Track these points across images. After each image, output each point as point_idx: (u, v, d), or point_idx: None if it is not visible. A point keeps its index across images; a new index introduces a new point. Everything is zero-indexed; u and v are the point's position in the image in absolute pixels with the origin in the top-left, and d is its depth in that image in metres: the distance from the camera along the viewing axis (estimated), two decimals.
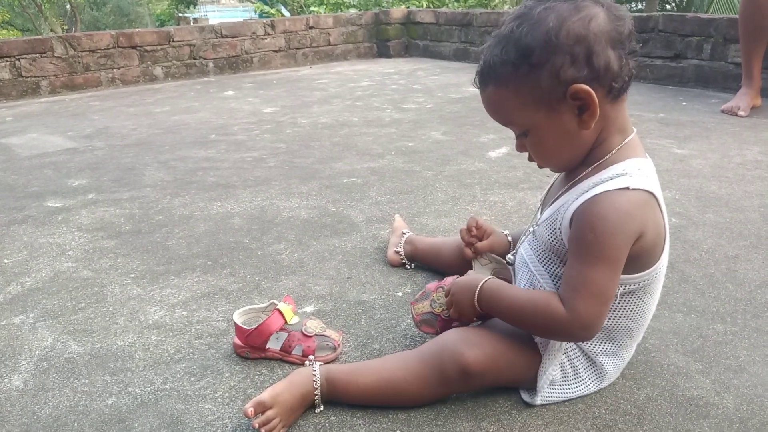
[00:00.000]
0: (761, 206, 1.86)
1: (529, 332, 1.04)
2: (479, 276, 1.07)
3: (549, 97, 0.93)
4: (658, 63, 3.76)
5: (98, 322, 1.37)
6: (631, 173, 0.95)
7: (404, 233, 1.59)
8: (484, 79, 0.99)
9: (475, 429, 1.00)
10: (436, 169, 2.33)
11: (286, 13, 9.46)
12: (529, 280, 1.07)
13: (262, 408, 0.97)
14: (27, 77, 4.16)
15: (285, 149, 2.70)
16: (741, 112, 2.92)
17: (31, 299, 1.48)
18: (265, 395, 0.98)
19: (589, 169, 0.99)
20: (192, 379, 1.16)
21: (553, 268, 1.03)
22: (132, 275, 1.58)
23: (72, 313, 1.41)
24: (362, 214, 1.93)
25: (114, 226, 1.90)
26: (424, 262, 1.54)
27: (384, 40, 5.60)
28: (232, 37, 4.89)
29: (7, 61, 4.06)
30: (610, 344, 1.05)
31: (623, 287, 0.99)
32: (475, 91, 1.02)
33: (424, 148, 2.62)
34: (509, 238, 1.30)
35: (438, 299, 1.17)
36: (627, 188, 0.93)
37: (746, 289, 1.40)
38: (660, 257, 1.00)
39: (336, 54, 5.45)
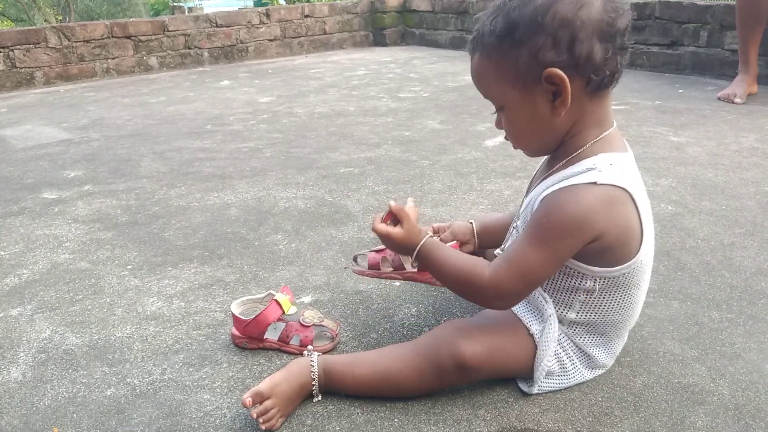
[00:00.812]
0: (757, 193, 1.87)
1: (453, 291, 1.07)
2: (420, 236, 1.05)
3: (525, 77, 0.93)
4: (655, 50, 3.75)
5: (96, 314, 1.37)
6: (601, 168, 0.93)
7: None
8: (473, 47, 0.99)
9: (473, 417, 1.01)
10: (432, 159, 2.33)
11: (282, 2, 9.41)
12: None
13: (260, 398, 0.98)
14: (21, 68, 4.13)
15: (281, 139, 2.69)
16: (737, 99, 2.92)
17: (28, 291, 1.48)
18: (263, 386, 0.99)
19: (561, 162, 0.98)
20: (190, 369, 1.16)
21: None
22: (129, 266, 1.58)
23: (70, 305, 1.41)
24: (359, 203, 1.93)
25: (110, 218, 1.90)
26: None
27: (380, 28, 5.57)
28: (227, 27, 4.86)
29: (0, 52, 4.03)
30: (599, 336, 1.05)
31: (600, 281, 0.99)
32: (471, 79, 1.02)
33: (421, 138, 2.62)
34: (473, 225, 1.32)
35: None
36: (594, 183, 0.92)
37: (742, 277, 1.40)
38: (638, 252, 0.98)
39: (332, 43, 5.43)
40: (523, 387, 1.06)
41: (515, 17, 0.90)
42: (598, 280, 0.99)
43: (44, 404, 1.09)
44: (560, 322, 1.04)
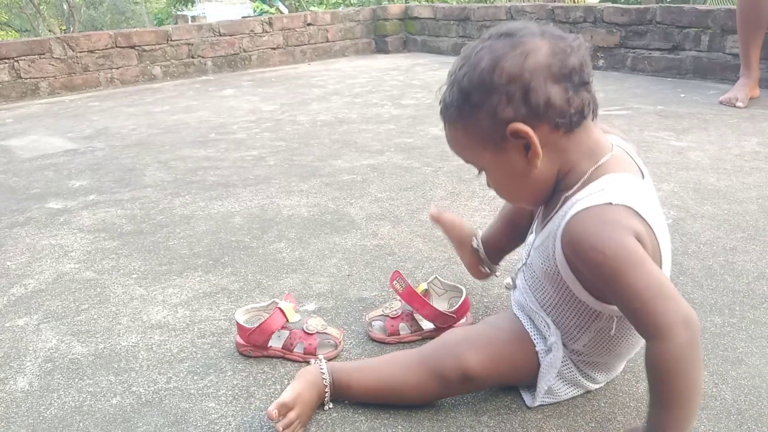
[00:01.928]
0: (759, 198, 1.87)
1: (689, 388, 0.81)
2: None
3: (492, 137, 0.91)
4: (656, 55, 3.75)
5: (102, 323, 1.38)
6: (612, 189, 0.88)
7: (476, 244, 1.34)
8: (442, 117, 0.98)
9: (476, 424, 1.01)
10: (435, 165, 2.34)
11: (284, 10, 9.45)
12: (522, 308, 1.07)
13: (285, 409, 0.98)
14: (26, 79, 4.16)
15: (284, 147, 2.71)
16: (739, 103, 2.92)
17: (34, 301, 1.49)
18: (287, 396, 0.99)
19: (567, 193, 0.93)
20: (195, 378, 1.17)
21: (546, 298, 1.01)
22: (134, 276, 1.59)
23: (75, 314, 1.42)
24: (362, 211, 1.94)
25: (115, 227, 1.92)
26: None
27: (382, 35, 5.60)
28: (230, 36, 4.89)
29: (5, 62, 4.07)
30: (602, 365, 1.05)
31: (617, 320, 0.95)
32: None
33: (423, 144, 2.63)
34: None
35: (391, 306, 1.28)
36: (610, 203, 0.87)
37: (744, 281, 1.41)
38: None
39: (334, 50, 5.45)
40: (526, 399, 1.05)
41: (466, 85, 0.90)
42: (616, 320, 0.95)
43: (51, 413, 1.10)
44: (564, 346, 1.02)
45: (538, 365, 1.03)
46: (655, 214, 0.91)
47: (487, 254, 1.31)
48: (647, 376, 0.83)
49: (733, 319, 1.26)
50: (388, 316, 1.27)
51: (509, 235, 1.28)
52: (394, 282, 1.25)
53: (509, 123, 0.88)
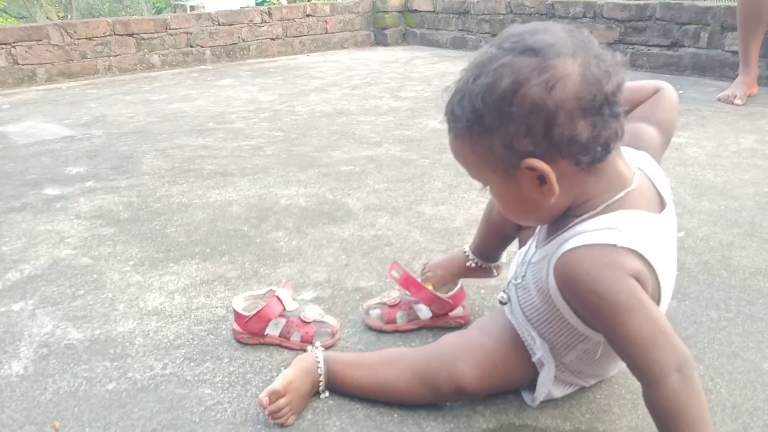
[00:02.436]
0: (756, 194, 1.88)
1: (691, 427, 0.80)
2: None
3: (503, 164, 0.82)
4: (655, 51, 3.75)
5: (98, 309, 1.38)
6: (622, 228, 0.81)
7: (474, 263, 1.31)
8: (447, 124, 0.87)
9: (472, 413, 1.02)
10: (433, 158, 2.34)
11: (284, 1, 9.41)
12: (517, 322, 1.03)
13: (276, 397, 0.98)
14: (23, 65, 4.13)
15: (283, 137, 2.70)
16: (737, 101, 2.92)
17: (30, 286, 1.49)
18: (278, 384, 0.99)
19: (573, 222, 0.86)
20: (191, 364, 1.17)
21: (535, 313, 0.97)
22: (131, 262, 1.59)
23: (71, 300, 1.42)
24: (360, 202, 1.93)
25: (112, 214, 1.91)
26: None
27: (381, 28, 5.58)
28: (229, 25, 4.86)
29: (2, 48, 4.04)
30: (593, 376, 1.04)
31: (604, 346, 0.92)
32: None
33: (422, 137, 2.63)
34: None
35: (389, 294, 1.28)
36: (614, 246, 0.80)
37: (740, 276, 1.41)
38: None
39: (333, 42, 5.43)
40: (526, 398, 1.04)
41: (479, 105, 0.79)
42: (603, 345, 0.93)
43: (45, 398, 1.10)
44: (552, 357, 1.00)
45: (534, 373, 1.01)
46: (664, 255, 0.86)
47: (486, 259, 1.30)
48: (652, 419, 0.83)
49: (729, 314, 1.27)
50: (385, 304, 1.27)
51: (499, 238, 1.26)
52: (392, 271, 1.25)
53: (525, 157, 0.79)
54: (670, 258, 0.91)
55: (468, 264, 1.30)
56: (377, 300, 1.30)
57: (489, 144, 0.81)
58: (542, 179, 0.81)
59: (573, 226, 0.85)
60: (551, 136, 0.77)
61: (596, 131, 0.78)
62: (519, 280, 0.99)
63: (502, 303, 1.04)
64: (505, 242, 1.27)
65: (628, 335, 0.79)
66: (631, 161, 0.89)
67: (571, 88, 0.76)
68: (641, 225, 0.83)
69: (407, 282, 1.24)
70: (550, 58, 0.77)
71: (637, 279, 0.81)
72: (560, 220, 0.88)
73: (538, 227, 1.00)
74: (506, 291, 1.03)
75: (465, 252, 1.31)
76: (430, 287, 1.27)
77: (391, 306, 1.26)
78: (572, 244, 0.83)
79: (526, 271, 0.97)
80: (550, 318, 0.94)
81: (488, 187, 0.90)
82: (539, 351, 0.98)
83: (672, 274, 0.92)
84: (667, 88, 1.03)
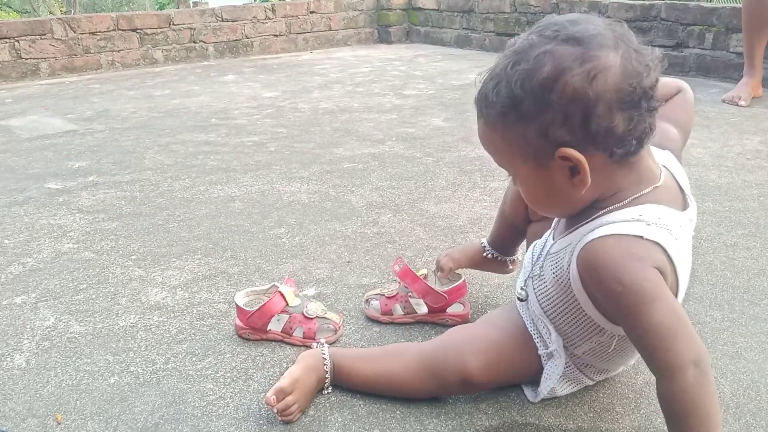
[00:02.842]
0: (760, 195, 1.87)
1: (703, 423, 0.80)
2: None
3: (536, 153, 0.82)
4: (660, 52, 3.74)
5: (100, 303, 1.37)
6: (649, 221, 0.82)
7: (490, 254, 1.33)
8: (477, 111, 0.87)
9: (474, 411, 1.01)
10: (436, 156, 2.33)
11: None
12: (531, 319, 1.03)
13: (283, 395, 0.97)
14: (26, 59, 4.13)
15: (285, 134, 2.70)
16: (742, 102, 2.91)
17: (32, 279, 1.49)
18: (285, 382, 0.98)
19: (600, 213, 0.85)
20: (194, 359, 1.17)
21: (551, 305, 0.96)
22: (133, 257, 1.59)
23: (74, 294, 1.42)
24: (363, 199, 1.93)
25: (115, 209, 1.91)
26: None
27: (385, 25, 5.57)
28: (233, 21, 4.86)
29: (6, 42, 4.04)
30: (603, 369, 1.04)
31: (618, 339, 0.93)
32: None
33: (425, 135, 2.62)
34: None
35: (389, 287, 1.30)
36: (641, 237, 0.80)
37: (744, 277, 1.41)
38: None
39: (337, 39, 5.43)
40: (528, 394, 1.04)
41: (517, 91, 0.78)
42: (617, 338, 0.93)
43: (48, 391, 1.09)
44: (564, 348, 1.00)
45: (540, 367, 1.01)
46: (684, 253, 0.86)
47: (502, 252, 1.32)
48: (663, 413, 0.83)
49: (732, 315, 1.26)
50: (384, 295, 1.28)
51: (514, 232, 1.28)
52: (395, 265, 1.26)
53: (561, 146, 0.79)
54: (689, 256, 0.91)
55: (485, 255, 1.32)
56: (377, 291, 1.31)
57: (523, 132, 0.81)
58: (574, 170, 0.81)
59: (599, 216, 0.85)
60: (588, 126, 0.77)
61: (632, 124, 0.78)
62: (537, 271, 0.99)
63: (520, 299, 1.03)
64: (519, 236, 1.28)
65: (649, 325, 0.79)
66: (657, 159, 0.89)
67: (612, 80, 0.76)
68: (667, 220, 0.83)
69: (405, 273, 1.25)
70: (593, 49, 0.77)
71: (660, 272, 0.81)
72: (584, 212, 0.88)
73: (555, 220, 1.00)
74: (524, 288, 1.02)
75: (482, 244, 1.33)
76: (431, 281, 1.27)
77: (389, 297, 1.27)
78: (599, 233, 0.82)
79: (544, 262, 0.97)
80: (567, 309, 0.94)
81: (513, 177, 0.90)
82: (553, 344, 0.98)
83: (688, 273, 0.92)
84: (688, 89, 1.04)
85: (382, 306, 1.27)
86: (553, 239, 0.97)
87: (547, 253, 0.96)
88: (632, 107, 0.78)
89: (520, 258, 1.33)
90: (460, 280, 1.28)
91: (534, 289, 1.00)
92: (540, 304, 0.99)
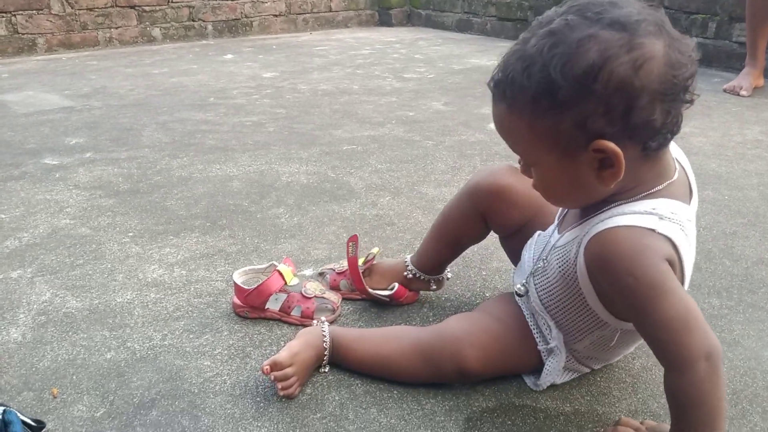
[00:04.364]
0: (760, 185, 1.87)
1: (710, 417, 0.78)
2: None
3: (567, 143, 0.77)
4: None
5: (97, 279, 1.37)
6: (662, 215, 0.79)
7: (412, 273, 1.25)
8: (498, 94, 0.81)
9: (471, 392, 1.01)
10: (436, 139, 2.32)
11: None
12: (531, 314, 1.01)
13: (279, 367, 0.97)
14: (23, 34, 4.09)
15: (284, 114, 2.68)
16: (743, 92, 2.90)
17: (28, 254, 1.48)
18: (283, 355, 0.98)
19: (612, 205, 0.83)
20: (191, 336, 1.16)
21: (553, 299, 0.95)
22: (130, 234, 1.58)
23: (70, 269, 1.41)
24: (362, 181, 1.92)
25: (112, 185, 1.89)
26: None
27: (386, 8, 5.52)
28: (232, 0, 4.81)
29: (2, 17, 3.99)
30: (601, 360, 1.04)
31: (621, 333, 0.93)
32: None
33: (425, 118, 2.61)
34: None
35: (341, 263, 1.31)
36: (653, 231, 0.78)
37: (743, 266, 1.41)
38: None
39: (337, 21, 5.38)
40: (528, 381, 1.03)
41: (557, 77, 0.73)
42: (620, 332, 0.93)
43: (44, 365, 1.09)
44: (564, 344, 0.99)
45: (539, 361, 1.00)
46: (690, 248, 0.84)
47: (428, 272, 1.24)
48: (668, 404, 0.82)
49: (730, 302, 1.26)
50: (334, 270, 1.31)
51: (452, 251, 1.23)
52: (350, 244, 1.22)
53: (597, 137, 0.75)
54: (694, 252, 0.89)
55: (405, 274, 1.24)
56: (332, 265, 1.34)
57: (556, 121, 0.76)
58: (604, 163, 0.77)
59: (611, 208, 0.82)
60: (629, 118, 0.74)
61: (669, 117, 0.76)
62: (540, 264, 0.97)
63: (519, 295, 1.01)
64: (457, 254, 1.24)
65: (661, 318, 0.77)
66: (671, 152, 0.87)
67: (657, 71, 0.73)
68: (680, 216, 0.81)
69: (352, 269, 1.22)
70: (639, 36, 0.73)
71: (670, 264, 0.79)
72: (594, 204, 0.85)
73: (559, 214, 0.99)
74: (524, 284, 1.00)
75: (405, 262, 1.25)
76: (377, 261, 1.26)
77: (338, 273, 1.30)
78: (610, 224, 0.80)
79: (549, 255, 0.94)
80: (570, 303, 0.92)
81: (530, 165, 0.85)
82: (554, 340, 0.97)
83: (691, 267, 0.89)
84: None
85: (330, 280, 1.30)
86: (559, 232, 0.95)
87: (552, 247, 0.94)
88: (672, 99, 0.75)
89: (449, 277, 1.28)
90: (395, 287, 1.24)
91: (535, 284, 0.98)
92: (541, 300, 0.97)
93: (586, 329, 0.94)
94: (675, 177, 0.84)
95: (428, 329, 1.07)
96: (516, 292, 1.01)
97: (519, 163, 0.89)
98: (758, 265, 1.41)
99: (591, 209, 0.86)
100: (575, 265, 0.87)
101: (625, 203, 0.82)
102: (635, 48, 0.72)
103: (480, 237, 1.20)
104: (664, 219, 0.79)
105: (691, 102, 0.77)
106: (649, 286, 0.76)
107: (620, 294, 0.80)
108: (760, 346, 1.13)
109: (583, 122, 0.74)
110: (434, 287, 1.27)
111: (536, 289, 0.98)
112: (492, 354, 0.99)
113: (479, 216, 1.14)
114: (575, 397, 1.01)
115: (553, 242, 0.95)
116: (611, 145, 0.75)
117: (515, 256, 1.13)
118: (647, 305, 0.77)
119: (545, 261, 0.95)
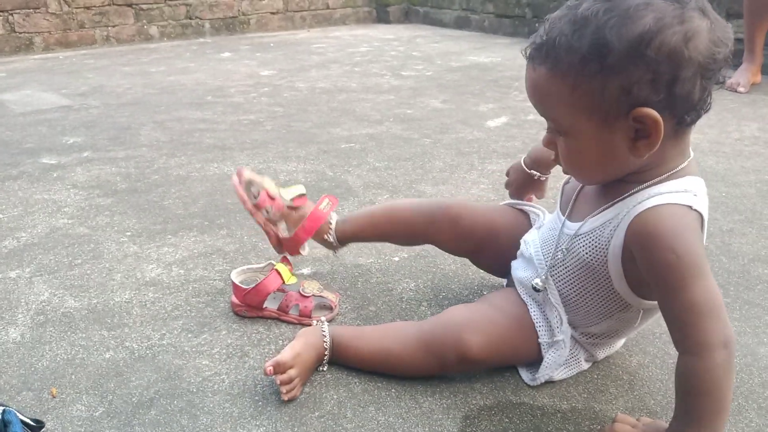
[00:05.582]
0: (757, 182, 1.87)
1: (717, 407, 0.79)
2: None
3: (608, 109, 0.78)
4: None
5: (95, 278, 1.37)
6: (696, 192, 0.83)
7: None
8: (539, 56, 0.81)
9: (469, 390, 1.02)
10: (434, 137, 2.32)
11: None
12: (539, 307, 1.02)
13: (282, 368, 0.97)
14: (20, 33, 4.09)
15: (282, 113, 2.68)
16: (741, 88, 2.91)
17: (27, 254, 1.48)
18: (286, 355, 0.98)
19: (642, 186, 0.85)
20: (189, 335, 1.17)
21: (573, 289, 0.96)
22: (128, 233, 1.58)
23: (68, 269, 1.41)
24: (360, 179, 1.92)
25: (110, 185, 1.90)
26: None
27: (384, 5, 5.52)
28: None
29: (0, 15, 3.99)
30: (609, 345, 1.05)
31: (644, 313, 0.94)
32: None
33: (423, 116, 2.61)
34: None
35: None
36: (690, 207, 0.81)
37: (740, 263, 1.41)
38: None
39: (335, 18, 5.38)
40: (524, 376, 1.04)
41: (611, 39, 0.74)
42: (642, 312, 0.94)
43: (42, 365, 1.09)
44: (575, 328, 1.00)
45: (538, 354, 1.01)
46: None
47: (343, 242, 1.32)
48: (676, 389, 0.82)
49: (727, 299, 1.27)
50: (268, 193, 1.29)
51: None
52: (326, 200, 1.29)
53: (640, 105, 0.77)
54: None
55: (326, 237, 1.30)
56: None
57: (602, 84, 0.77)
58: (640, 132, 0.79)
59: (645, 188, 0.84)
60: (673, 88, 0.76)
61: (705, 93, 0.79)
62: (559, 255, 0.97)
63: (536, 290, 1.01)
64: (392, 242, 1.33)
65: (690, 299, 0.78)
66: None
67: (702, 45, 0.75)
68: (704, 193, 0.85)
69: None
70: (689, 9, 0.75)
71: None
72: (616, 187, 0.88)
73: (558, 206, 1.00)
74: (542, 279, 1.00)
75: (330, 223, 1.31)
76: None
77: (269, 197, 1.28)
78: (652, 202, 0.82)
79: (570, 245, 0.94)
80: (594, 288, 0.93)
81: (562, 132, 0.85)
82: (561, 334, 0.98)
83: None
84: None
85: (260, 200, 1.28)
86: (572, 221, 0.95)
87: (574, 235, 0.94)
88: (710, 77, 0.78)
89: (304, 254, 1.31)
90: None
91: (553, 276, 0.99)
92: (559, 291, 0.98)
93: (606, 313, 0.95)
94: (692, 155, 0.87)
95: (428, 320, 1.08)
96: (534, 287, 1.01)
97: (547, 131, 0.89)
98: (755, 262, 1.41)
99: (614, 192, 0.88)
100: (607, 248, 0.88)
101: (656, 183, 0.84)
102: (686, 21, 0.75)
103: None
104: (698, 196, 0.83)
105: (723, 83, 0.81)
106: (688, 265, 0.78)
107: (657, 270, 0.81)
108: (756, 343, 1.13)
109: (630, 88, 0.76)
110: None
111: (554, 280, 0.98)
112: (493, 340, 0.99)
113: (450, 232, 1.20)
114: (572, 395, 1.01)
115: (571, 231, 0.94)
116: (653, 112, 0.77)
117: (494, 269, 1.20)
118: (681, 284, 0.78)
119: (565, 251, 0.96)
